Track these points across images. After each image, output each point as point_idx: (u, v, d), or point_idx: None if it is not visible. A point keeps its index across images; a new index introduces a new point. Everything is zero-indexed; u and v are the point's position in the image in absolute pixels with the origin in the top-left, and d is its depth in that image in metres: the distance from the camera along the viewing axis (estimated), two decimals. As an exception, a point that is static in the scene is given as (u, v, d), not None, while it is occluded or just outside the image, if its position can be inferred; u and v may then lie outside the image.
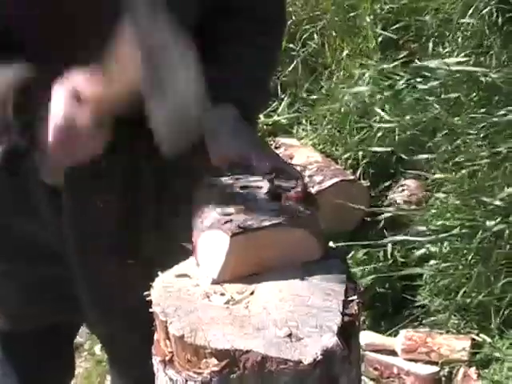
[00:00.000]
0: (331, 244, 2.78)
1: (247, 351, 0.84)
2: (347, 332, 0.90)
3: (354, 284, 0.97)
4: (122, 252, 1.34)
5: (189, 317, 0.91)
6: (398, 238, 2.74)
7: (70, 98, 1.07)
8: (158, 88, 1.05)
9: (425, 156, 2.90)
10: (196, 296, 0.95)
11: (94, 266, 1.35)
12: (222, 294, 0.96)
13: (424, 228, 2.72)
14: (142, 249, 1.35)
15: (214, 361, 0.86)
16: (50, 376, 1.59)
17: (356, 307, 0.92)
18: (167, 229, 1.35)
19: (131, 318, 1.38)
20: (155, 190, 1.33)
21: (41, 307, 1.43)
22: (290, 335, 0.87)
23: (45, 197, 1.30)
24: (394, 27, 3.29)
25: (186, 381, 0.88)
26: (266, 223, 0.97)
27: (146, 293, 0.97)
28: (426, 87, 2.87)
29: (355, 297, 0.94)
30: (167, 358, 0.91)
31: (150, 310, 0.95)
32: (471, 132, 2.73)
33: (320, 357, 0.84)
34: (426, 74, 2.88)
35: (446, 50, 3.03)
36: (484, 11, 3.01)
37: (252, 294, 0.96)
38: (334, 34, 3.48)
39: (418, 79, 2.93)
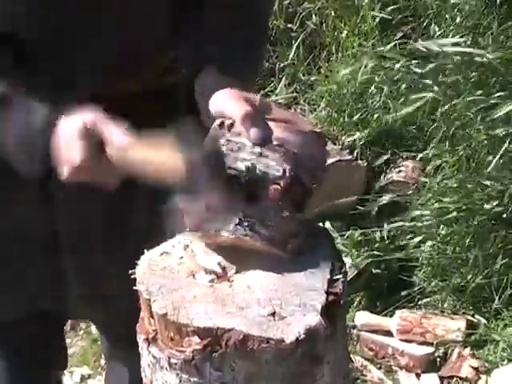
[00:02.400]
0: (328, 224, 2.79)
1: (229, 329, 0.84)
2: (331, 311, 0.89)
3: (340, 263, 0.96)
4: (112, 242, 1.32)
5: (172, 295, 0.90)
6: (396, 224, 2.73)
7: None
8: None
9: (422, 138, 2.89)
10: (181, 274, 0.95)
11: (83, 254, 1.32)
12: (208, 273, 0.96)
13: (420, 212, 2.71)
14: (131, 238, 1.32)
15: (196, 339, 0.85)
16: (42, 363, 1.57)
17: (341, 286, 0.92)
18: (157, 216, 1.33)
19: (115, 307, 1.37)
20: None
21: (26, 296, 1.39)
22: (273, 314, 0.86)
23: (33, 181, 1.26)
24: (393, 7, 3.26)
25: (169, 358, 0.88)
26: (225, 234, 0.94)
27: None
28: (422, 71, 2.85)
29: (340, 276, 0.93)
30: (151, 336, 0.91)
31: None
32: (468, 114, 2.71)
33: (303, 335, 0.84)
34: (423, 54, 2.86)
35: (444, 30, 3.00)
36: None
37: (237, 272, 0.95)
38: (332, 13, 3.45)
39: (415, 61, 2.91)
